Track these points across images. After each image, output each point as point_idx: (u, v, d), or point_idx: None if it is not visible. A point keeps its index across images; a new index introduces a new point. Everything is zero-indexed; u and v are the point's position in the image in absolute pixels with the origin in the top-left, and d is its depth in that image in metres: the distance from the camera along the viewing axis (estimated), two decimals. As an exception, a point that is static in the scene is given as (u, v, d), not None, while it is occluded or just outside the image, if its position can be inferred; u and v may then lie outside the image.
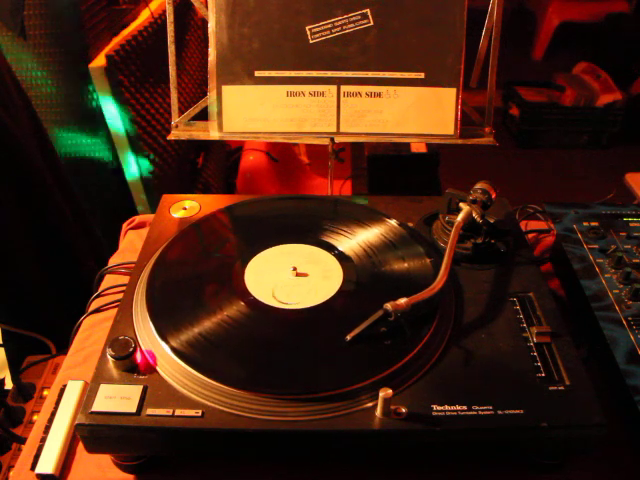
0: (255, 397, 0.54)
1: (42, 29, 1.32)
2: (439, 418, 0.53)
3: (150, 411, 0.53)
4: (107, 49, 1.43)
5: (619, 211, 0.84)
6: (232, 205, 0.81)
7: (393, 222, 0.76)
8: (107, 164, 1.60)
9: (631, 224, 0.82)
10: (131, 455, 0.58)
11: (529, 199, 0.98)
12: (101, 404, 0.54)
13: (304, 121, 0.84)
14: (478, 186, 0.72)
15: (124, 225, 0.97)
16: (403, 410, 0.53)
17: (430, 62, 0.82)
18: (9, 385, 1.05)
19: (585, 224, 0.82)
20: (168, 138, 0.87)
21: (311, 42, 0.81)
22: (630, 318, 0.67)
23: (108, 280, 0.85)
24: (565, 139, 2.96)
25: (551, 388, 0.56)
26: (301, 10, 0.80)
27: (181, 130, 0.87)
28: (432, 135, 0.85)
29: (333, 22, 0.81)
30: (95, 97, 1.51)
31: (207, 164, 1.99)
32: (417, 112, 0.84)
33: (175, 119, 0.86)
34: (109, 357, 0.56)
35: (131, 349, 0.57)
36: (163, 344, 0.58)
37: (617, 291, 0.71)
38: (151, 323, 0.60)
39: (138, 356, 0.57)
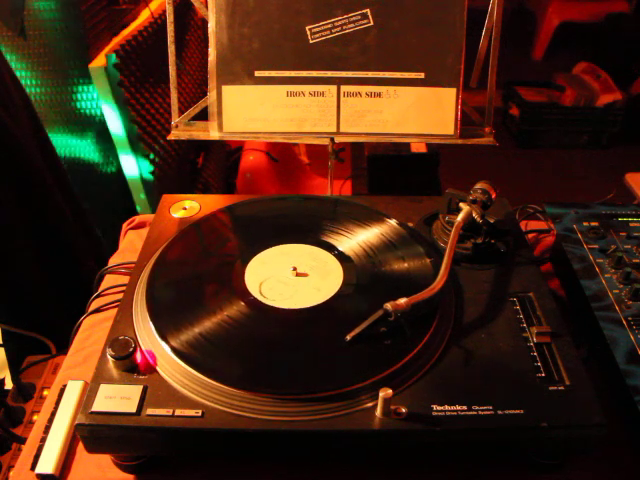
0: (255, 397, 0.54)
1: (42, 29, 1.32)
2: (439, 418, 0.53)
3: (150, 411, 0.53)
4: (107, 49, 1.43)
5: (619, 211, 0.84)
6: (232, 205, 0.81)
7: (393, 222, 0.76)
8: (107, 164, 1.60)
9: (631, 224, 0.82)
10: (131, 455, 0.58)
11: (529, 199, 0.98)
12: (101, 404, 0.54)
13: (304, 121, 0.84)
14: (478, 186, 0.72)
15: (124, 225, 0.97)
16: (403, 410, 0.53)
17: (430, 62, 0.82)
18: (9, 385, 1.05)
19: (585, 224, 0.82)
20: (168, 138, 0.87)
21: (311, 42, 0.81)
22: (630, 318, 0.67)
23: (108, 280, 0.85)
24: (565, 139, 2.96)
25: (551, 388, 0.56)
26: (301, 10, 0.80)
27: (181, 130, 0.87)
28: (432, 135, 0.85)
29: (333, 22, 0.81)
30: (95, 97, 1.51)
31: (207, 164, 1.99)
32: (417, 112, 0.84)
33: (175, 119, 0.86)
34: (109, 357, 0.56)
35: (131, 349, 0.57)
36: (163, 344, 0.58)
37: (617, 291, 0.71)
38: (151, 323, 0.60)
39: (138, 356, 0.57)
